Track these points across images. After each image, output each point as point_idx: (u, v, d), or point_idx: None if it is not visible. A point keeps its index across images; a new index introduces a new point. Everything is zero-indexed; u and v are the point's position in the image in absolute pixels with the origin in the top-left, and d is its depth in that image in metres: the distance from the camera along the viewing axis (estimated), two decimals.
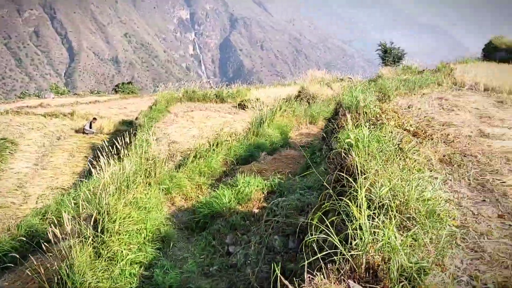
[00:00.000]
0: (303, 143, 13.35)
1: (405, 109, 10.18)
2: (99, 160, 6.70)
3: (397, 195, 3.76)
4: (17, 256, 6.07)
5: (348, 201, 3.15)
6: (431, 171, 5.64)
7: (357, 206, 3.18)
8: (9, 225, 9.40)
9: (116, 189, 6.19)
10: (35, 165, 16.31)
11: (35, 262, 5.15)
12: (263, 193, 7.44)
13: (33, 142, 18.55)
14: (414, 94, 12.46)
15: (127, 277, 5.60)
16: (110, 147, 7.63)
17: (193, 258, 6.19)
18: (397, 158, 5.05)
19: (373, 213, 3.31)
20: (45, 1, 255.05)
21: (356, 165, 4.27)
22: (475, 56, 22.05)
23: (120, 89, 37.74)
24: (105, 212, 5.82)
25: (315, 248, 3.23)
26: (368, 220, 3.15)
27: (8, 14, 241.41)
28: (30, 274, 5.17)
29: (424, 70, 22.06)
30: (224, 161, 10.24)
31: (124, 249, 5.85)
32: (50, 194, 13.56)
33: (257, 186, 7.40)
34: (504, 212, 4.38)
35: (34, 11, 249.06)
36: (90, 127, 20.52)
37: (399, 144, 5.50)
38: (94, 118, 21.09)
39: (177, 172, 8.66)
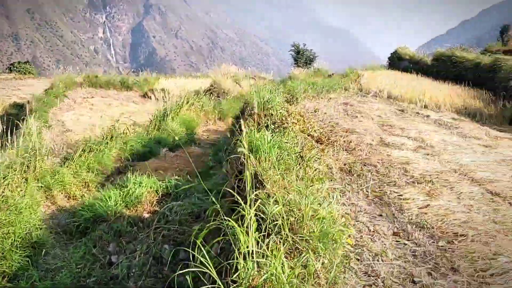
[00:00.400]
0: (210, 140, 12.86)
1: (311, 113, 10.13)
2: None
3: (292, 210, 3.43)
4: None
5: (233, 223, 2.71)
6: (331, 180, 5.46)
7: (246, 227, 2.77)
8: None
9: None
10: None
11: None
12: (157, 195, 6.84)
13: None
14: (322, 98, 12.53)
15: None
16: None
17: (68, 268, 5.43)
18: (297, 166, 4.76)
19: (263, 234, 2.92)
20: None
21: (253, 175, 3.91)
22: (381, 64, 23.05)
23: (15, 68, 34.28)
24: None
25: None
26: (258, 242, 2.77)
27: None
28: None
29: (333, 74, 22.70)
30: (118, 157, 9.38)
31: None
32: None
33: (151, 188, 6.76)
34: (399, 229, 4.27)
35: None
36: None
37: (300, 152, 5.23)
38: None
39: (62, 167, 7.69)
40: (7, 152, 6.69)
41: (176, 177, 7.39)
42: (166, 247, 5.58)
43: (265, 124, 6.73)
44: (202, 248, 2.73)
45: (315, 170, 5.14)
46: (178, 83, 25.46)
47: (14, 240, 5.54)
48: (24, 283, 4.96)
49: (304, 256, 2.84)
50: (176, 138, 11.37)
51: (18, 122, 10.70)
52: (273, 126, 6.99)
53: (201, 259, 2.54)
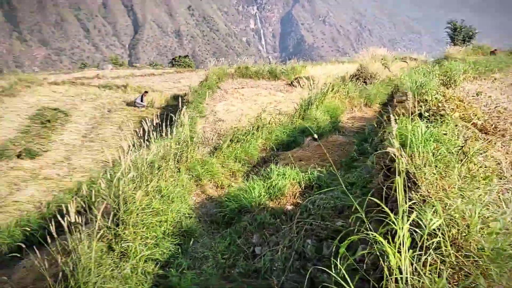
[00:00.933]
0: (355, 128, 12.29)
1: (472, 96, 8.89)
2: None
3: (454, 219, 2.85)
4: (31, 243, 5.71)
5: (381, 239, 2.30)
6: (500, 179, 4.59)
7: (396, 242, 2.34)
8: (43, 200, 9.27)
9: (137, 175, 5.63)
10: (84, 137, 16.41)
11: (38, 256, 4.69)
12: (300, 187, 6.64)
13: (84, 114, 18.72)
14: (484, 79, 11.00)
15: (139, 276, 5.07)
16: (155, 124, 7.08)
17: (214, 258, 5.56)
18: (458, 163, 4.06)
19: (419, 252, 2.45)
20: None
21: (404, 174, 3.41)
22: None
23: (176, 63, 37.68)
24: (121, 201, 5.28)
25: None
26: (412, 259, 2.33)
27: None
28: (36, 267, 4.73)
29: (496, 50, 19.96)
30: (263, 146, 9.47)
31: (140, 244, 5.32)
32: (93, 168, 13.51)
33: (293, 179, 6.59)
34: None
35: None
36: (142, 101, 20.40)
37: (463, 147, 4.48)
38: (146, 92, 20.95)
39: (212, 156, 8.01)
40: (162, 143, 7.13)
41: (319, 168, 7.10)
42: (309, 242, 5.35)
43: (418, 112, 6.03)
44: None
45: (480, 167, 4.36)
46: (324, 70, 25.10)
47: (166, 228, 5.86)
48: (174, 271, 5.17)
49: (472, 280, 2.30)
50: (320, 126, 11.08)
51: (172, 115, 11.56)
52: (428, 114, 6.25)
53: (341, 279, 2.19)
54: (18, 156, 14.02)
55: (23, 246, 5.09)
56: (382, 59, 23.45)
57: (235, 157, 8.23)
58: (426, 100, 7.08)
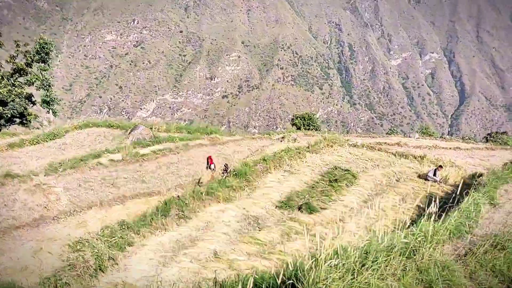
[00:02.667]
0: None
1: None
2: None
3: None
4: None
5: None
6: None
7: None
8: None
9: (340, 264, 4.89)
10: (364, 202, 16.28)
11: None
12: None
13: (372, 179, 18.68)
14: None
15: None
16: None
17: None
18: None
19: None
20: (446, 45, 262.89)
21: None
22: None
23: (491, 138, 33.81)
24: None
25: None
26: None
27: (410, 57, 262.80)
28: None
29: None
30: None
31: None
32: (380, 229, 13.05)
33: None
34: None
35: (434, 54, 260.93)
36: (434, 175, 18.93)
37: None
38: (440, 166, 19.37)
39: (460, 261, 6.17)
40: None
41: None
42: None
43: None
44: None
45: None
46: None
47: None
48: None
49: None
50: None
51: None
52: None
53: None
54: (299, 208, 15.03)
55: None
56: None
57: (492, 270, 6.06)
58: None
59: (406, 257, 5.49)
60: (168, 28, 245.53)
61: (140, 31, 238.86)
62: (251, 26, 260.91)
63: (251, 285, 4.15)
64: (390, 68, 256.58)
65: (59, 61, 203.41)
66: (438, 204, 7.69)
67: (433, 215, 6.80)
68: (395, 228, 7.56)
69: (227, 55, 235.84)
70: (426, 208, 7.15)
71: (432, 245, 5.84)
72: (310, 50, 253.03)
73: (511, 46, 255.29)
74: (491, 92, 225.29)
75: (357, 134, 34.88)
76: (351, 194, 17.02)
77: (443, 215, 8.69)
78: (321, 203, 15.65)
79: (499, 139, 33.10)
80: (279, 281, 4.57)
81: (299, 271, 4.66)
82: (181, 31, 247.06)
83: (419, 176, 19.48)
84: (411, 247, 5.55)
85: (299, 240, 12.90)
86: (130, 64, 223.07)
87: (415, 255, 5.57)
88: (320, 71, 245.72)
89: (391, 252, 5.33)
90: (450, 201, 11.66)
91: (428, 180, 18.78)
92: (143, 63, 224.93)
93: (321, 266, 4.59)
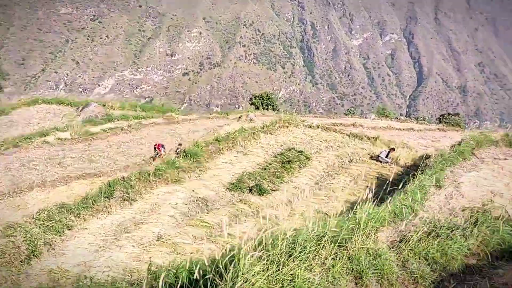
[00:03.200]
0: None
1: None
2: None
3: None
4: None
5: None
6: None
7: None
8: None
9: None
10: (315, 184, 16.29)
11: None
12: None
13: (325, 160, 18.71)
14: None
15: None
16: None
17: None
18: None
19: None
20: (405, 26, 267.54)
21: None
22: None
23: (444, 120, 34.72)
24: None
25: None
26: None
27: (371, 37, 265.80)
28: None
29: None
30: (478, 249, 6.75)
31: None
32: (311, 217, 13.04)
33: None
34: None
35: (394, 35, 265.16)
36: (387, 156, 19.15)
37: None
38: (393, 148, 19.61)
39: (393, 249, 6.06)
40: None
41: None
42: None
43: None
44: None
45: None
46: None
47: None
48: None
49: None
50: None
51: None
52: None
53: None
54: (250, 190, 14.84)
55: None
56: None
57: (425, 257, 6.02)
58: None
59: (338, 246, 5.33)
60: (127, 2, 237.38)
61: (97, 5, 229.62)
62: (212, 1, 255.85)
63: (163, 282, 3.87)
64: (351, 48, 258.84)
65: (10, 34, 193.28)
66: (389, 186, 7.65)
67: (371, 201, 6.72)
68: (342, 212, 7.47)
69: (188, 31, 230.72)
70: (372, 191, 7.15)
71: (365, 232, 5.71)
72: (272, 28, 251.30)
73: (467, 29, 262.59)
74: (447, 74, 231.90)
75: (317, 114, 34.97)
76: (303, 175, 16.99)
77: (390, 198, 8.67)
78: (272, 184, 15.53)
79: (452, 120, 34.05)
80: (194, 277, 4.31)
81: (220, 265, 4.40)
82: (140, 6, 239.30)
83: (371, 158, 19.69)
84: (343, 235, 5.39)
85: (248, 222, 12.75)
86: (88, 39, 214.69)
87: (347, 243, 5.42)
88: (283, 50, 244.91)
89: (321, 240, 5.17)
90: (401, 184, 11.80)
91: (380, 162, 19.01)
92: (101, 37, 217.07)
93: (242, 258, 4.35)
